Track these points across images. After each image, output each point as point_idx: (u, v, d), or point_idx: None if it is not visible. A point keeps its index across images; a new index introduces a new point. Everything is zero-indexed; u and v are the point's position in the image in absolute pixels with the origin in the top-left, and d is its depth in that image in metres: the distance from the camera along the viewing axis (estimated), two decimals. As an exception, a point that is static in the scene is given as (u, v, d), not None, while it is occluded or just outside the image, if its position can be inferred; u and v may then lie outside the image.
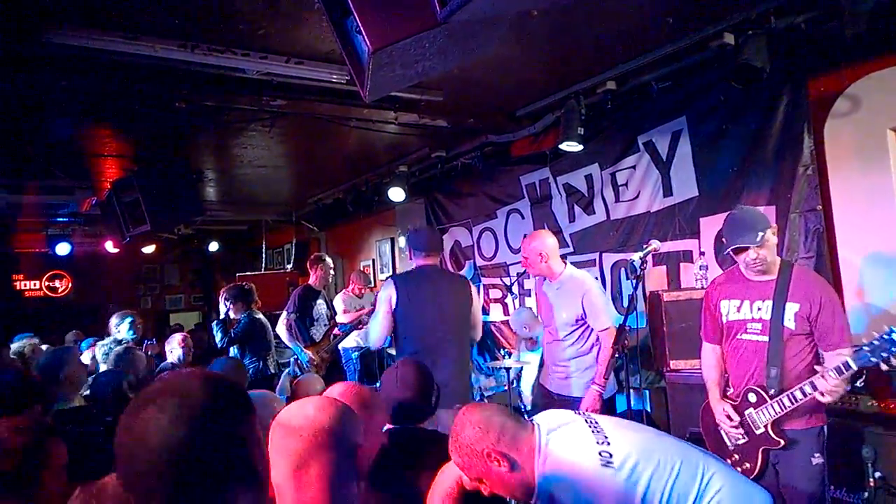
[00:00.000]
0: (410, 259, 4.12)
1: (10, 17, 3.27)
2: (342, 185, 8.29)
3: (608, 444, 1.95)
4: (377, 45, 2.14)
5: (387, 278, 4.13)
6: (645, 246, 3.51)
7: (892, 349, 2.48)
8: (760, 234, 2.82)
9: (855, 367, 2.56)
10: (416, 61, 2.45)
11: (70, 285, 12.68)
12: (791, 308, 2.86)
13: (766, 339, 2.91)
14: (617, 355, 3.21)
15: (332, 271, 6.90)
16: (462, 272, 7.08)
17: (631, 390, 4.69)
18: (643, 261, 3.31)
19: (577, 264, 5.53)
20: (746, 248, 2.88)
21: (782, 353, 2.86)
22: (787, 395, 2.80)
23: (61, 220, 9.31)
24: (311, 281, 6.38)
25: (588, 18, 3.70)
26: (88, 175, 6.90)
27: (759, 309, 2.96)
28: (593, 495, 1.86)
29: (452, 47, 2.46)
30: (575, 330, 3.98)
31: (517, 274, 5.96)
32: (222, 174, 7.52)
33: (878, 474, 3.07)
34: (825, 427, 2.90)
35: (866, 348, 2.54)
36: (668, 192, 4.76)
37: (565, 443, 1.98)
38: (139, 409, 1.11)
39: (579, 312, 3.93)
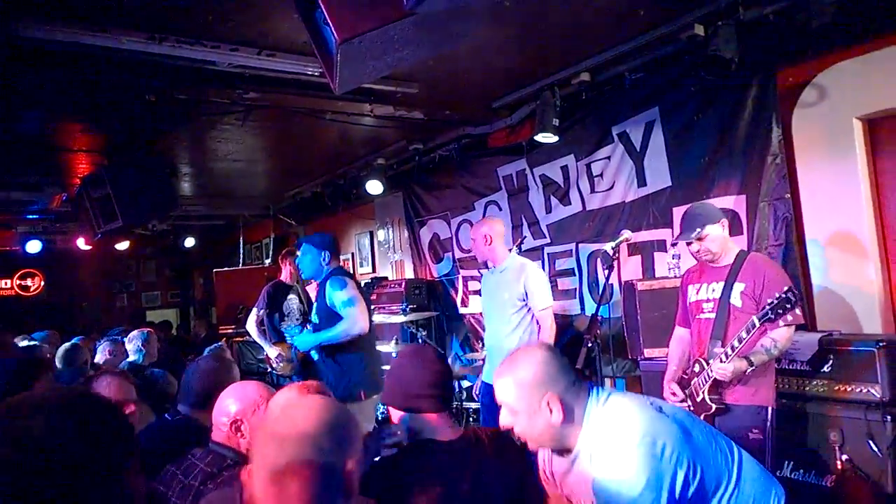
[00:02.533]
0: (326, 264, 4.22)
1: (-27, 11, 3.22)
2: (320, 178, 8.24)
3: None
4: (344, 36, 2.14)
5: (341, 275, 4.16)
6: (618, 236, 3.56)
7: (787, 305, 2.72)
8: (698, 230, 3.11)
9: (758, 324, 2.82)
10: (386, 52, 2.45)
11: (42, 283, 12.48)
12: (738, 287, 3.09)
13: (713, 315, 3.13)
14: (590, 345, 3.25)
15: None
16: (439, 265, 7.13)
17: (606, 379, 4.77)
18: (615, 251, 3.35)
19: (554, 255, 5.61)
20: (691, 242, 3.17)
21: (726, 328, 3.06)
22: (714, 361, 2.99)
23: (31, 217, 9.14)
24: (283, 276, 6.27)
25: (561, 9, 3.71)
26: (58, 171, 6.81)
27: (713, 290, 3.19)
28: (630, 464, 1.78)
29: (422, 38, 2.47)
30: (516, 313, 4.13)
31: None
32: (197, 168, 7.44)
33: (844, 457, 3.13)
34: (770, 409, 3.02)
35: (768, 306, 2.77)
36: (642, 182, 4.80)
37: (619, 407, 1.91)
38: None
39: (521, 293, 4.12)
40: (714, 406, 3.03)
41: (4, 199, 7.72)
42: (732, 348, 2.91)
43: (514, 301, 4.14)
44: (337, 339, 3.99)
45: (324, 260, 4.21)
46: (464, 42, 2.54)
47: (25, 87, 4.17)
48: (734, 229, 4.10)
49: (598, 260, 5.11)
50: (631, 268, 4.86)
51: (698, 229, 3.10)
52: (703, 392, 3.07)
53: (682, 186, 4.48)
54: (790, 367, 3.39)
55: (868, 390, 3.12)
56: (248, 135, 5.87)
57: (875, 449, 3.03)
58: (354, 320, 3.92)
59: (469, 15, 2.44)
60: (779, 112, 3.91)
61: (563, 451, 1.96)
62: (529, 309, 4.14)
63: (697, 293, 3.27)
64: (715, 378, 2.99)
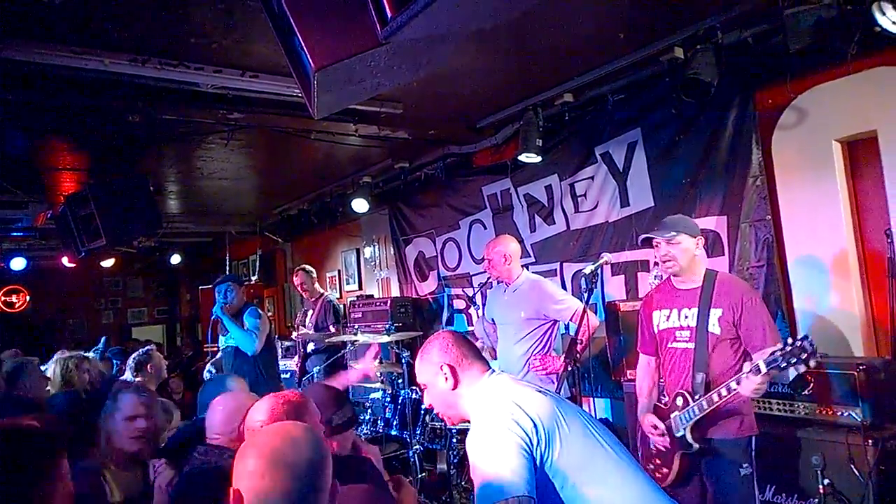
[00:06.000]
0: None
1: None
2: (306, 196, 8.25)
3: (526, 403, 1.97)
4: (320, 63, 2.13)
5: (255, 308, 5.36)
6: (599, 258, 3.54)
7: (801, 356, 2.53)
8: (673, 232, 3.01)
9: (765, 370, 2.62)
10: (363, 79, 2.45)
11: (27, 300, 12.36)
12: (715, 313, 2.95)
13: (692, 345, 2.99)
14: (570, 368, 3.23)
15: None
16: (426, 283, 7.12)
17: (592, 399, 4.76)
18: (594, 274, 3.34)
19: (538, 274, 5.60)
20: (659, 243, 3.05)
21: (708, 358, 2.94)
22: (708, 397, 2.85)
23: (16, 234, 9.07)
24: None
25: (543, 32, 3.74)
26: (42, 189, 6.75)
27: (686, 317, 3.06)
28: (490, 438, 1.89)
29: (400, 64, 2.47)
30: (532, 331, 4.12)
31: (479, 284, 5.98)
32: (183, 186, 7.43)
33: (826, 481, 3.12)
34: (754, 438, 2.95)
35: (778, 353, 2.59)
36: (625, 202, 4.82)
37: (499, 383, 2.12)
38: None
39: (539, 311, 4.10)
40: (697, 445, 2.90)
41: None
42: (758, 368, 2.66)
43: (529, 319, 4.13)
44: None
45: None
46: (442, 67, 2.54)
47: (9, 106, 4.14)
48: (715, 250, 4.13)
49: (581, 280, 5.11)
50: (614, 287, 4.87)
51: (673, 233, 3.01)
52: (684, 429, 2.93)
53: (664, 207, 4.49)
54: (772, 389, 3.38)
55: (849, 414, 3.12)
56: (234, 153, 5.87)
57: (857, 473, 3.03)
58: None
59: (446, 41, 2.45)
60: (759, 134, 3.95)
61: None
62: (542, 325, 4.14)
63: (668, 320, 3.13)
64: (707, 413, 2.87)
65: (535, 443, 1.84)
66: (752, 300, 2.94)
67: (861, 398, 3.09)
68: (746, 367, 2.72)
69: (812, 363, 2.55)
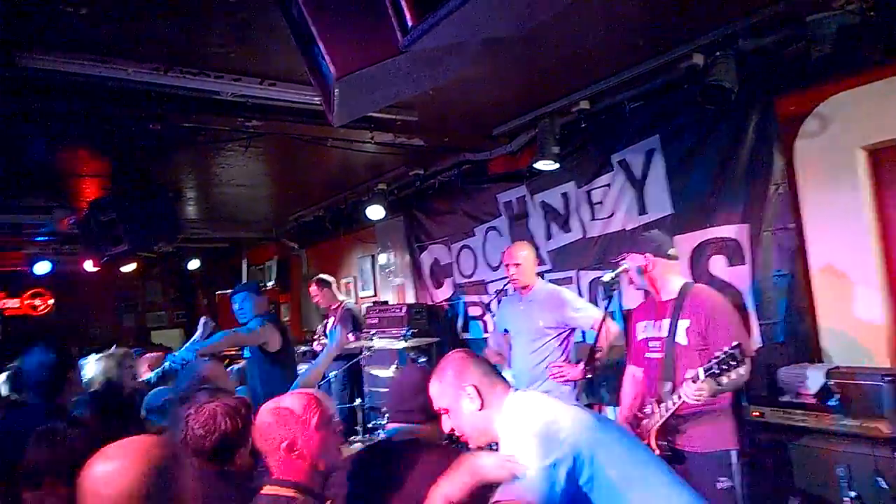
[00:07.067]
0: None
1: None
2: (322, 202, 8.27)
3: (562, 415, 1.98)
4: (341, 72, 2.14)
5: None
6: (617, 266, 3.52)
7: (731, 363, 2.64)
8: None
9: (703, 377, 2.71)
10: (383, 87, 2.45)
11: (51, 303, 12.53)
12: (683, 324, 3.05)
13: (661, 355, 3.09)
14: (589, 375, 3.23)
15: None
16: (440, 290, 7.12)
17: (611, 407, 4.72)
18: (613, 281, 3.32)
19: (554, 282, 5.57)
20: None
21: (675, 367, 3.01)
22: (665, 405, 2.94)
23: (40, 238, 9.22)
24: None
25: (560, 40, 3.72)
26: (66, 194, 6.86)
27: (659, 328, 3.16)
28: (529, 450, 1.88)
29: (420, 72, 2.47)
30: (550, 340, 4.13)
31: (495, 291, 5.97)
32: (201, 193, 7.49)
33: (852, 494, 3.07)
34: (735, 451, 2.97)
35: (714, 361, 2.69)
36: (642, 210, 4.78)
37: (529, 399, 2.09)
38: None
39: (559, 319, 4.11)
40: (659, 451, 2.94)
41: (13, 221, 7.80)
42: (698, 376, 2.77)
43: (548, 328, 4.15)
44: None
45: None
46: (461, 74, 2.53)
47: (33, 114, 4.21)
48: (735, 259, 4.08)
49: (600, 288, 5.09)
50: (632, 295, 4.82)
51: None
52: (649, 433, 3.00)
53: (682, 215, 4.45)
54: (796, 400, 3.34)
55: (876, 425, 3.07)
56: (251, 160, 5.90)
57: (884, 485, 2.97)
58: None
59: (465, 49, 2.44)
60: (780, 141, 3.89)
61: (494, 444, 2.14)
62: (560, 334, 4.16)
63: (644, 330, 3.24)
64: (665, 420, 2.94)
65: (572, 462, 1.82)
66: (719, 312, 3.01)
67: (888, 410, 3.03)
68: (690, 373, 2.81)
69: (742, 370, 2.71)
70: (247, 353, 5.51)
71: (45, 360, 3.13)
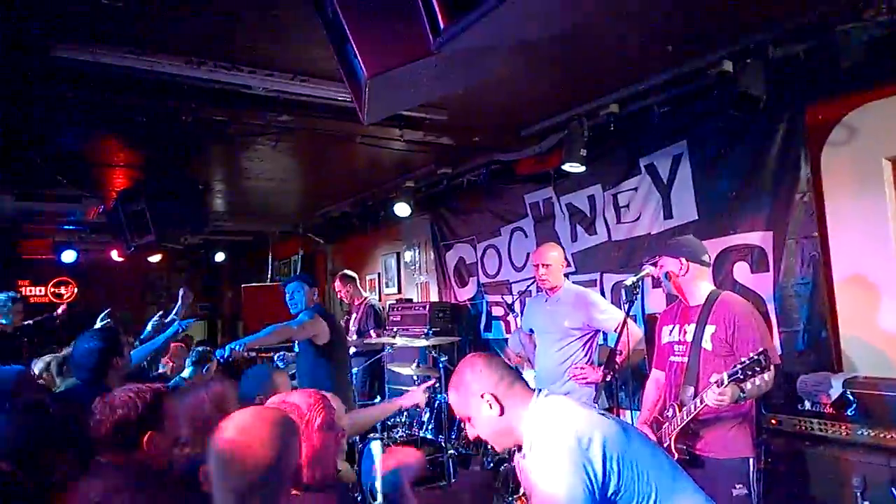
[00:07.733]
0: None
1: (20, 32, 3.35)
2: (349, 198, 8.34)
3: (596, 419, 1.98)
4: (373, 71, 2.20)
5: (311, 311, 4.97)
6: (640, 270, 3.54)
7: (756, 368, 2.65)
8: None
9: (727, 381, 2.72)
10: (415, 86, 2.51)
11: (75, 292, 12.76)
12: (709, 330, 3.05)
13: (686, 359, 3.10)
14: (608, 378, 3.25)
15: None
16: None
17: (630, 412, 4.73)
18: (635, 285, 3.34)
19: (578, 284, 5.59)
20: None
21: (698, 372, 3.02)
22: (687, 409, 2.95)
23: (68, 227, 9.38)
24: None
25: (591, 44, 3.74)
26: (95, 184, 6.97)
27: (685, 332, 3.17)
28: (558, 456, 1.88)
29: (450, 73, 2.52)
30: (574, 340, 4.17)
31: (518, 292, 6.01)
32: (229, 186, 7.59)
33: None
34: (751, 460, 2.97)
35: (739, 366, 2.70)
36: (668, 214, 4.79)
37: (557, 405, 2.05)
38: None
39: (584, 320, 4.14)
40: (677, 454, 2.95)
41: (42, 209, 7.94)
42: (722, 380, 2.77)
43: (573, 328, 4.19)
44: None
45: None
46: (490, 76, 2.58)
47: (66, 103, 4.31)
48: (760, 266, 4.08)
49: (622, 291, 5.09)
50: (656, 300, 4.82)
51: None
52: (669, 437, 3.02)
53: (708, 220, 4.46)
54: (813, 408, 3.34)
55: (892, 436, 3.06)
56: (280, 155, 5.98)
57: (899, 497, 2.97)
58: None
59: (495, 51, 2.49)
60: (808, 150, 3.89)
61: (519, 447, 2.09)
62: (585, 335, 4.21)
63: (670, 334, 3.26)
64: (685, 424, 2.95)
65: (599, 469, 1.84)
66: (747, 321, 3.00)
67: (906, 421, 3.03)
68: (714, 377, 2.81)
69: (767, 376, 2.72)
70: (296, 347, 5.51)
71: (91, 346, 3.22)
